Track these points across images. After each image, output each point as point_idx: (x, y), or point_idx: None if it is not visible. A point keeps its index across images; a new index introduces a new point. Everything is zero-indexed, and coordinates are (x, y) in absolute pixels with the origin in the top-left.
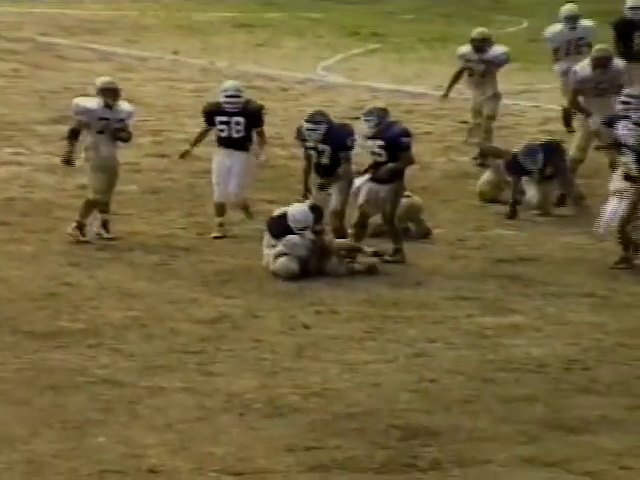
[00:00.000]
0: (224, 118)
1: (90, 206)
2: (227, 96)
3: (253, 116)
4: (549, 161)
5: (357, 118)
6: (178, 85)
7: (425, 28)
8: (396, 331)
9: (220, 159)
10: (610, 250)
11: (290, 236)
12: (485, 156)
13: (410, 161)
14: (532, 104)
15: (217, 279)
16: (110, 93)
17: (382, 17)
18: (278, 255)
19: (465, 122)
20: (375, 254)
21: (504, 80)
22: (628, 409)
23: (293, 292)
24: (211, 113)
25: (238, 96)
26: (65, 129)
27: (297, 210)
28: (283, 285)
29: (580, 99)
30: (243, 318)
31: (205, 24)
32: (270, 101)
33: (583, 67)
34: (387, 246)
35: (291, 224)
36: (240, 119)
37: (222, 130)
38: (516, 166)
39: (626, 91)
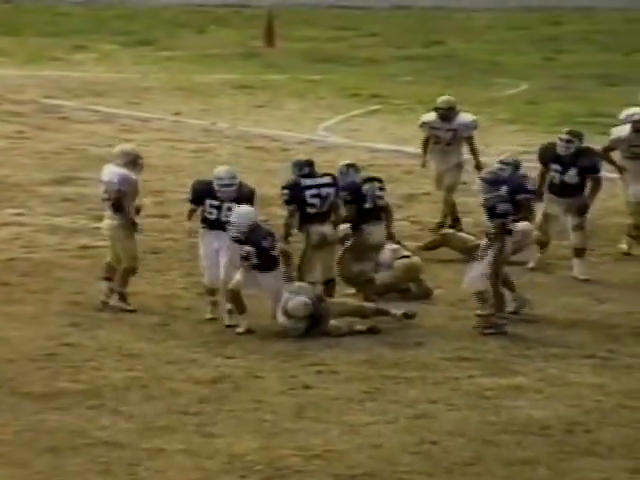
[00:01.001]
0: (216, 202)
1: (128, 274)
2: (221, 185)
3: (246, 201)
4: None
5: None
6: (180, 146)
7: (425, 90)
8: (397, 392)
9: (208, 241)
10: (611, 312)
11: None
12: (433, 248)
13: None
14: (533, 165)
15: (217, 339)
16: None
17: (382, 79)
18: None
19: (465, 183)
20: (406, 316)
21: (505, 141)
22: (631, 472)
23: (293, 352)
24: (202, 195)
25: (232, 184)
26: (67, 190)
27: (241, 211)
28: (284, 345)
29: (616, 157)
30: (244, 378)
31: (206, 86)
32: (271, 161)
33: (622, 129)
34: (407, 306)
35: (232, 221)
36: (232, 204)
37: (211, 213)
38: None
39: None
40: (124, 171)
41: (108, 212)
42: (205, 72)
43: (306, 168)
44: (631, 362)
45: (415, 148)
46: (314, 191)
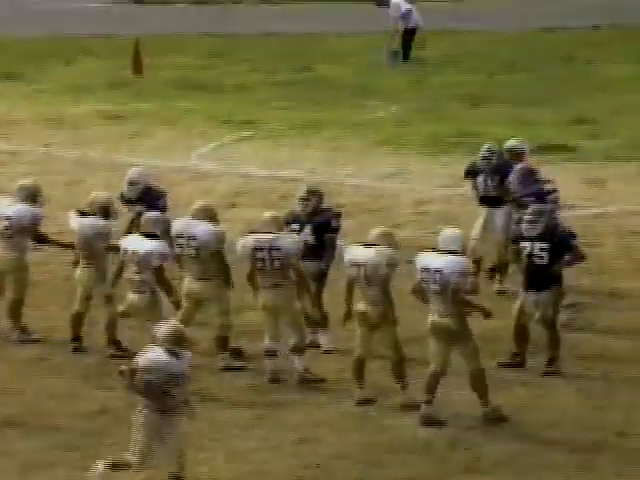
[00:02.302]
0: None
1: (19, 305)
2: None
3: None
4: None
5: (233, 205)
6: (50, 177)
7: (295, 115)
8: (281, 417)
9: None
10: (492, 327)
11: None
12: None
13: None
14: (405, 186)
15: (98, 371)
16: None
17: (253, 105)
18: None
19: (341, 206)
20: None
21: (377, 163)
22: None
23: None
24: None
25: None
26: None
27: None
28: None
29: None
30: (125, 410)
31: (76, 117)
32: None
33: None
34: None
35: None
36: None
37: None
38: None
39: None
40: (31, 207)
41: (3, 245)
42: (74, 103)
43: None
44: (510, 378)
45: (288, 172)
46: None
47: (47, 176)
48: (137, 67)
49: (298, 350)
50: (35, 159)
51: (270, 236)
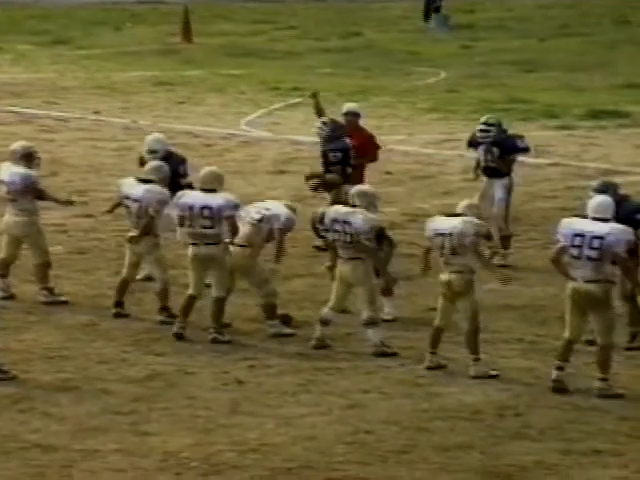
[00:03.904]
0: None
1: (44, 269)
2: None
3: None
4: None
5: (282, 172)
6: (101, 144)
7: (344, 82)
8: (329, 383)
9: None
10: (538, 296)
11: None
12: None
13: None
14: (454, 153)
15: (147, 337)
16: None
17: (301, 72)
18: None
19: (390, 173)
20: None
21: (426, 130)
22: (562, 453)
23: (225, 348)
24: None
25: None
26: None
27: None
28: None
29: None
30: (176, 375)
31: (125, 84)
32: (194, 157)
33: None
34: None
35: None
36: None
37: None
38: None
39: None
40: (21, 170)
41: (11, 209)
42: (123, 70)
43: None
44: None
45: None
46: None
47: (97, 142)
48: (186, 35)
49: (372, 323)
50: (85, 126)
51: (345, 209)
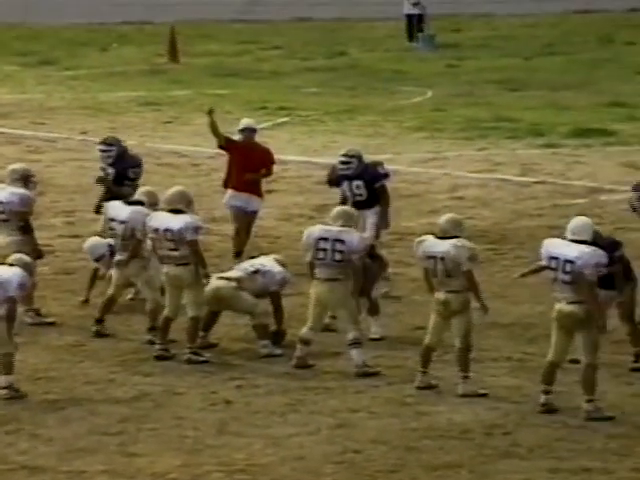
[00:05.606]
0: None
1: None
2: None
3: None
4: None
5: (269, 191)
6: (88, 165)
7: (330, 101)
8: (318, 402)
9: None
10: (526, 314)
11: None
12: None
13: None
14: (441, 171)
15: (134, 357)
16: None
17: (287, 91)
18: None
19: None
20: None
21: (413, 149)
22: (550, 472)
23: (213, 368)
24: None
25: None
26: None
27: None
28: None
29: None
30: (163, 396)
31: (111, 104)
32: (181, 177)
33: None
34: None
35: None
36: None
37: None
38: None
39: None
40: (21, 190)
41: (4, 230)
42: (110, 90)
43: None
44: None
45: (323, 159)
46: None
47: (84, 163)
48: (173, 55)
49: (357, 343)
50: (72, 146)
51: (337, 228)
